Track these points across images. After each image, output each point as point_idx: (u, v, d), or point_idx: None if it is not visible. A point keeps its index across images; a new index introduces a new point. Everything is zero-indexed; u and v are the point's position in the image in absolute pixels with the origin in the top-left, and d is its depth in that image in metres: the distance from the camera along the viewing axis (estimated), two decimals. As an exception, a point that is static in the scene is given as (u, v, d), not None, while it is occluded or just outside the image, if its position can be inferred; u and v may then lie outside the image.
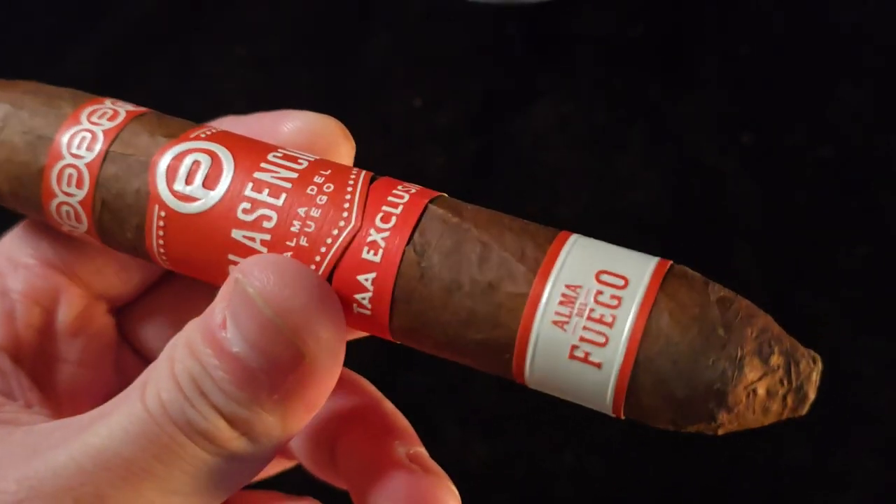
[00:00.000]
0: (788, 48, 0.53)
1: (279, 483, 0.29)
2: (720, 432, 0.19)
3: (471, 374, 0.42)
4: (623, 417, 0.19)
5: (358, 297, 0.20)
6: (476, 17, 0.55)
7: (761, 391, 0.18)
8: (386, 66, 0.53)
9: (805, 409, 0.19)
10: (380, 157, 0.49)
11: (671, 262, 0.20)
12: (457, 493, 0.23)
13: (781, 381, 0.18)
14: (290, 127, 0.25)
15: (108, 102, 0.23)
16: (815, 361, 0.19)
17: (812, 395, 0.19)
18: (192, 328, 0.20)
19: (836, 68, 0.52)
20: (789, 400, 0.19)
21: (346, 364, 0.42)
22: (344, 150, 0.26)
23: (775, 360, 0.19)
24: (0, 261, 0.25)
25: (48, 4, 0.57)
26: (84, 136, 0.22)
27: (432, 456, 0.41)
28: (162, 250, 0.22)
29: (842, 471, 0.40)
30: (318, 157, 0.22)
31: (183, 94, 0.52)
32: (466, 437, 0.41)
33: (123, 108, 0.23)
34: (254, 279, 0.19)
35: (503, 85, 0.53)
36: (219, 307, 0.20)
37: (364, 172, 0.21)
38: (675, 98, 0.51)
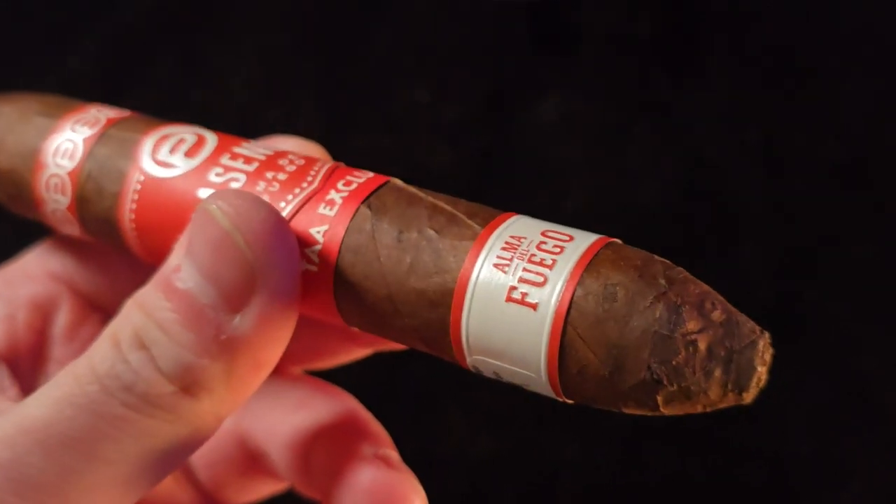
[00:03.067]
0: (795, 43, 0.53)
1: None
2: (661, 399, 0.18)
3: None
4: (558, 385, 0.18)
5: (308, 251, 0.20)
6: (482, 12, 0.55)
7: (702, 345, 0.17)
8: (392, 61, 0.53)
9: (752, 387, 0.18)
10: (385, 152, 0.49)
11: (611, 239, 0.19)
12: (423, 493, 0.23)
13: (723, 342, 0.17)
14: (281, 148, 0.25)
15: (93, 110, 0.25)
16: (761, 331, 0.18)
17: (759, 370, 0.18)
18: (144, 287, 0.20)
19: (842, 64, 0.52)
20: (733, 369, 0.17)
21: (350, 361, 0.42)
22: None
23: (716, 315, 0.18)
24: (16, 273, 0.27)
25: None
26: (84, 116, 0.24)
27: (438, 448, 0.41)
28: (132, 215, 0.22)
29: (846, 463, 0.40)
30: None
31: (189, 87, 0.52)
32: (472, 429, 0.41)
33: (104, 115, 0.24)
34: (218, 199, 0.20)
35: (510, 79, 0.52)
36: (174, 254, 0.20)
37: (332, 162, 0.22)
38: (682, 93, 0.51)
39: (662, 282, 0.18)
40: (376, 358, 0.43)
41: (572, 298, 0.18)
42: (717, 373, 0.17)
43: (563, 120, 0.51)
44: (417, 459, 0.41)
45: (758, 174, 0.48)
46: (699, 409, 0.18)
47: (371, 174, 0.21)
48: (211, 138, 0.22)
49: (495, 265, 0.18)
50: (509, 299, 0.18)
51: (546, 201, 0.46)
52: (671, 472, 0.40)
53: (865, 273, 0.45)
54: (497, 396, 0.42)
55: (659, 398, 0.18)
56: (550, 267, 0.18)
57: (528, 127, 0.50)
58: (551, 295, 0.18)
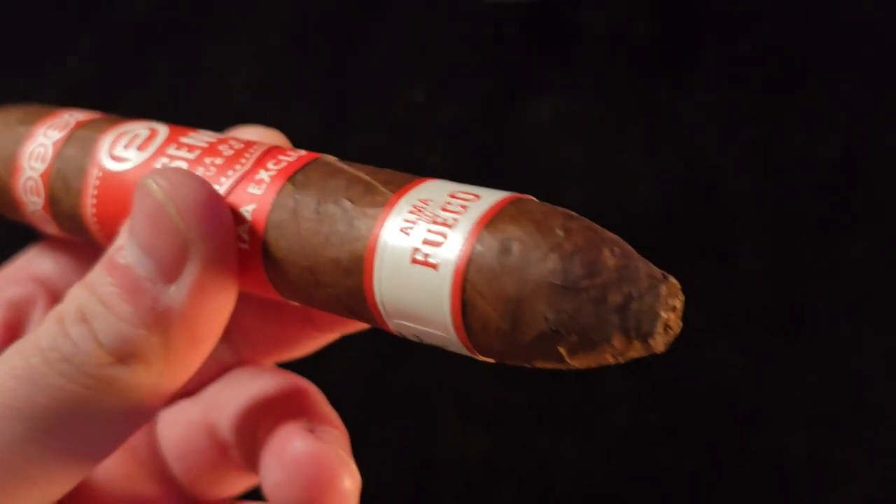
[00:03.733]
0: (790, 43, 0.53)
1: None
2: (563, 351, 0.17)
3: (471, 367, 0.42)
4: (469, 343, 0.18)
5: (240, 229, 0.21)
6: (478, 13, 0.55)
7: (597, 293, 0.17)
8: (388, 62, 0.53)
9: (658, 335, 0.17)
10: (381, 152, 0.49)
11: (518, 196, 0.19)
12: (356, 473, 0.23)
13: (621, 286, 0.17)
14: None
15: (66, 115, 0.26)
16: (665, 276, 0.17)
17: (663, 314, 0.17)
18: (92, 269, 0.21)
19: (837, 63, 0.52)
20: (633, 315, 0.17)
21: (345, 358, 0.42)
22: None
23: (614, 262, 0.17)
24: (1, 277, 0.28)
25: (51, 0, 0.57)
26: (56, 121, 0.25)
27: (434, 448, 0.41)
28: (94, 209, 0.23)
29: (844, 464, 0.40)
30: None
31: (187, 89, 0.52)
32: (468, 429, 0.41)
33: (73, 118, 0.25)
34: (154, 175, 0.20)
35: (505, 80, 0.53)
36: (119, 235, 0.21)
37: (264, 147, 0.23)
38: (677, 93, 0.51)
39: (559, 232, 0.18)
40: (372, 359, 0.43)
41: (470, 255, 0.18)
42: (616, 320, 0.17)
43: (561, 120, 0.51)
44: (412, 460, 0.42)
45: (755, 174, 0.48)
46: (609, 358, 0.17)
47: (303, 152, 0.22)
48: (162, 131, 0.23)
49: (401, 229, 0.18)
50: (414, 261, 0.18)
51: (542, 200, 0.46)
52: (668, 473, 0.40)
53: (863, 273, 0.45)
54: (492, 396, 0.42)
55: (562, 350, 0.17)
56: (451, 226, 0.18)
57: (525, 127, 0.50)
58: (450, 253, 0.18)
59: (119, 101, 0.47)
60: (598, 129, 0.51)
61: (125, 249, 0.20)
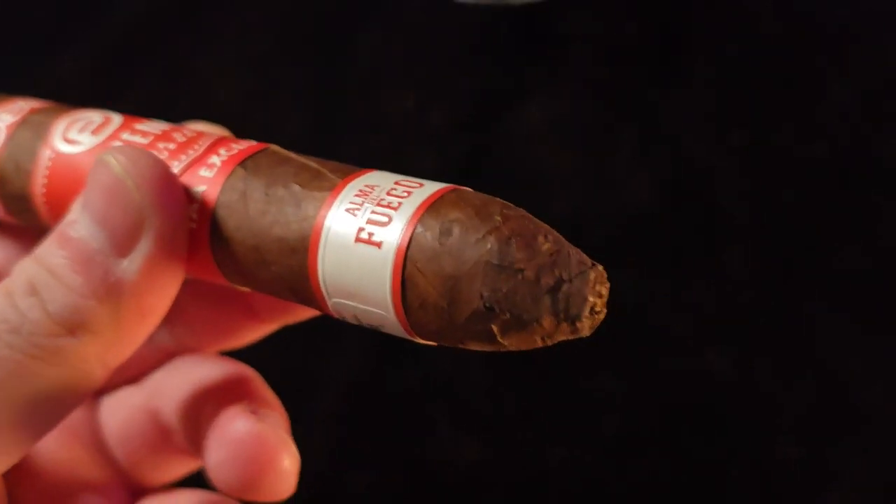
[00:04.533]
0: (779, 46, 0.54)
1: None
2: (496, 329, 0.18)
3: (464, 372, 0.42)
4: (406, 321, 0.19)
5: (189, 209, 0.22)
6: (467, 17, 0.55)
7: (531, 275, 0.18)
8: (377, 66, 0.53)
9: (585, 318, 0.18)
10: (371, 157, 0.49)
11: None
12: (296, 454, 0.24)
13: (552, 271, 0.18)
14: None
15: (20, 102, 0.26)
16: (593, 264, 0.19)
17: (590, 298, 0.18)
18: (42, 243, 0.21)
19: (826, 67, 0.52)
20: (564, 297, 0.18)
21: (336, 364, 0.42)
22: None
23: (546, 247, 0.18)
24: None
25: (39, 5, 0.57)
26: (12, 107, 0.26)
27: (425, 453, 0.41)
28: (44, 190, 0.24)
29: (833, 468, 0.40)
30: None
31: (177, 94, 0.52)
32: (459, 434, 0.41)
33: (28, 105, 0.26)
34: (116, 152, 0.21)
35: (495, 84, 0.53)
36: (71, 210, 0.21)
37: (212, 138, 0.23)
38: (667, 97, 0.51)
39: (497, 218, 0.19)
40: (362, 364, 0.43)
41: (412, 235, 0.19)
42: (547, 301, 0.18)
43: (550, 124, 0.51)
44: (404, 465, 0.41)
45: (745, 178, 0.48)
46: (538, 340, 0.19)
47: (254, 142, 0.23)
48: (116, 119, 0.24)
49: (347, 210, 0.20)
50: (358, 240, 0.19)
51: (532, 206, 0.46)
52: (658, 479, 0.40)
53: (850, 276, 0.45)
54: (482, 402, 0.42)
55: (494, 328, 0.18)
56: (396, 209, 0.19)
57: (514, 131, 0.50)
58: (393, 233, 0.19)
59: (108, 108, 0.47)
60: (587, 132, 0.51)
61: (78, 223, 0.21)
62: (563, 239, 0.19)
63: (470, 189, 0.20)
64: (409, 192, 0.19)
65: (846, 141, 0.49)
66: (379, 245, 0.19)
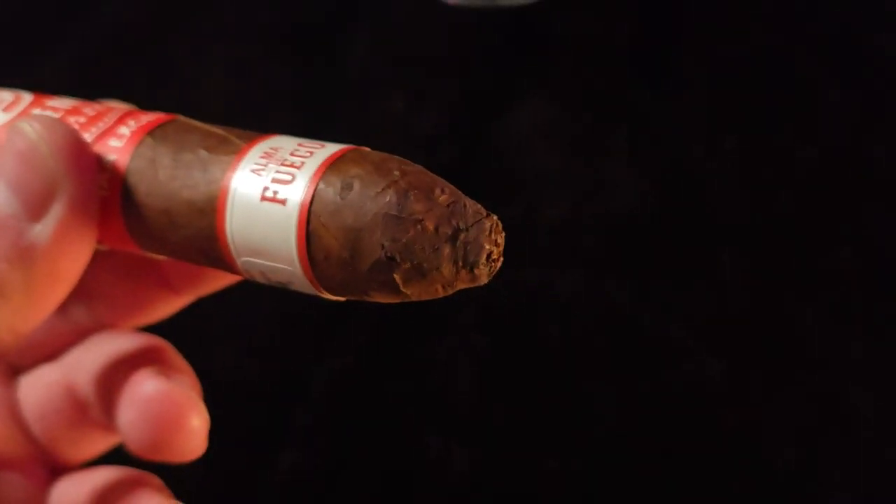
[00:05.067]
0: (774, 51, 0.53)
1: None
2: (400, 280, 0.19)
3: (453, 380, 0.42)
4: (312, 275, 0.20)
5: (101, 178, 0.22)
6: (457, 19, 0.55)
7: (429, 225, 0.19)
8: (366, 69, 0.53)
9: (482, 265, 0.19)
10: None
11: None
12: (204, 411, 0.24)
13: (449, 221, 0.19)
14: None
15: None
16: (487, 214, 0.19)
17: (487, 247, 0.19)
18: None
19: (820, 70, 0.52)
20: (462, 245, 0.19)
21: (326, 373, 0.42)
22: None
23: (443, 199, 0.19)
24: None
25: (25, 6, 0.57)
26: None
27: (413, 464, 0.40)
28: None
29: (829, 474, 0.40)
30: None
31: (161, 97, 0.51)
32: (447, 444, 0.40)
33: None
34: (31, 120, 0.22)
35: (485, 88, 0.52)
36: None
37: (120, 111, 0.24)
38: (659, 100, 0.51)
39: (396, 173, 0.20)
40: (352, 374, 0.43)
41: (315, 191, 0.20)
42: (447, 250, 0.19)
43: (541, 128, 0.50)
44: (394, 474, 0.41)
45: (738, 182, 0.48)
46: (439, 289, 0.20)
47: (161, 114, 0.23)
48: (27, 97, 0.25)
49: (252, 170, 0.20)
50: (263, 198, 0.20)
51: (523, 210, 0.46)
52: (652, 486, 0.40)
53: (844, 281, 0.45)
54: (472, 410, 0.42)
55: (396, 277, 0.19)
56: (299, 168, 0.20)
57: (505, 135, 0.50)
58: (297, 190, 0.20)
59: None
60: (579, 136, 0.50)
61: None
62: (460, 192, 0.20)
63: (369, 149, 0.21)
64: (311, 153, 0.20)
65: (839, 144, 0.49)
66: (283, 202, 0.20)
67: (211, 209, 0.21)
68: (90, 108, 0.24)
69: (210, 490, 0.32)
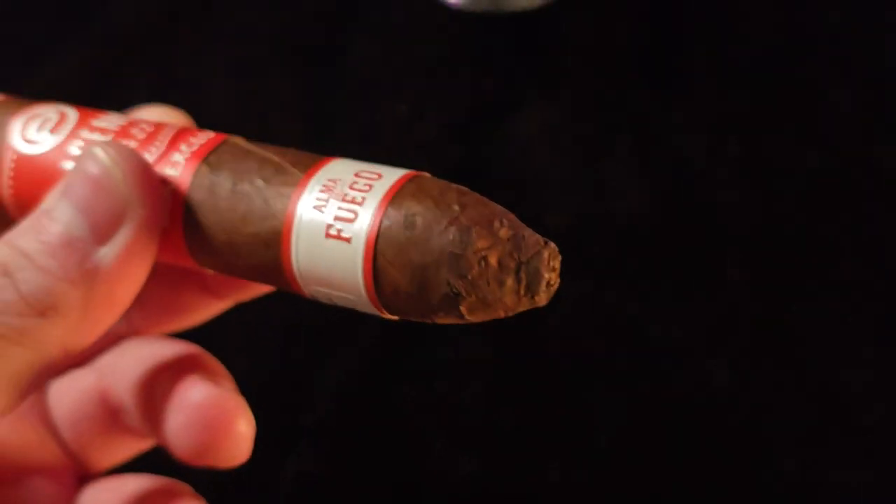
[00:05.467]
0: (779, 55, 0.53)
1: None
2: (465, 310, 0.20)
3: (458, 387, 0.42)
4: (379, 305, 0.21)
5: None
6: (461, 24, 0.54)
7: (492, 260, 0.20)
8: (369, 74, 0.53)
9: (542, 292, 0.20)
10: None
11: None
12: (251, 417, 0.24)
13: (511, 254, 0.20)
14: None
15: None
16: (545, 243, 0.20)
17: (546, 275, 0.20)
18: (12, 230, 0.22)
19: (826, 75, 0.52)
20: (523, 276, 0.20)
21: (331, 378, 0.42)
22: None
23: (504, 232, 0.20)
24: None
25: (28, 12, 0.57)
26: None
27: (418, 468, 0.40)
28: (11, 191, 0.25)
29: (833, 481, 0.39)
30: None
31: (164, 102, 0.51)
32: (454, 451, 0.40)
33: None
34: (105, 145, 0.22)
35: (489, 92, 0.52)
36: (47, 199, 0.22)
37: (184, 125, 0.24)
38: (663, 105, 0.51)
39: (455, 207, 0.20)
40: (357, 379, 0.42)
41: (378, 230, 0.20)
42: (510, 282, 0.20)
43: (546, 132, 0.50)
44: (399, 480, 0.41)
45: (743, 187, 0.48)
46: (501, 314, 0.21)
47: (211, 134, 0.24)
48: (72, 114, 0.25)
49: (314, 207, 0.21)
50: (328, 236, 0.21)
51: (527, 215, 0.45)
52: (657, 491, 0.40)
53: (850, 287, 0.45)
54: (478, 416, 0.41)
55: (462, 308, 0.20)
56: (360, 204, 0.21)
57: (510, 139, 0.50)
58: (361, 229, 0.20)
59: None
60: (583, 141, 0.50)
61: (56, 210, 0.22)
62: (518, 220, 0.21)
63: (427, 174, 0.22)
64: (369, 186, 0.21)
65: (846, 149, 0.49)
66: (348, 240, 0.21)
67: (275, 243, 0.21)
68: (138, 129, 0.24)
69: (217, 497, 0.32)
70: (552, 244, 0.21)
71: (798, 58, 0.53)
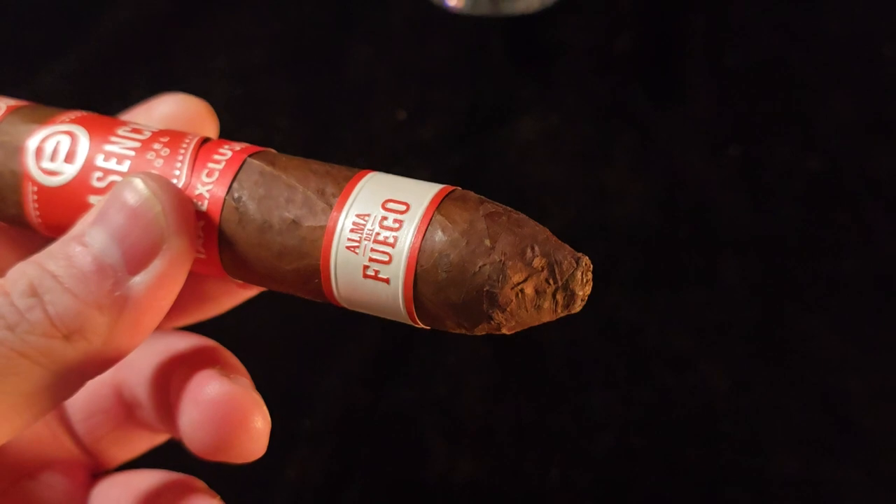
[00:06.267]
0: (777, 60, 0.53)
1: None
2: (505, 331, 0.21)
3: (458, 391, 0.42)
4: (421, 324, 0.22)
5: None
6: (460, 29, 0.55)
7: (529, 291, 0.21)
8: (369, 79, 0.53)
9: (577, 306, 0.21)
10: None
11: (455, 187, 0.22)
12: (267, 414, 0.24)
13: (547, 281, 0.21)
14: (163, 110, 0.28)
15: None
16: (577, 261, 0.21)
17: (580, 292, 0.21)
18: (41, 252, 0.22)
19: (823, 80, 0.52)
20: (559, 298, 0.21)
21: (331, 382, 0.42)
22: (209, 126, 0.29)
23: (538, 262, 0.21)
24: None
25: (29, 17, 0.57)
26: None
27: (419, 471, 0.40)
28: (39, 220, 0.25)
29: (830, 484, 0.39)
30: (160, 128, 0.25)
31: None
32: (453, 452, 0.40)
33: (4, 103, 0.26)
34: (145, 176, 0.22)
35: (488, 97, 0.52)
36: (78, 224, 0.22)
37: (197, 137, 0.24)
38: (662, 110, 0.51)
39: (487, 243, 0.21)
40: (358, 381, 0.42)
41: (416, 272, 0.21)
42: (547, 305, 0.21)
43: (544, 138, 0.50)
44: (398, 484, 0.41)
45: (741, 192, 0.48)
46: (538, 325, 0.22)
47: (228, 153, 0.23)
48: (82, 137, 0.24)
49: (348, 248, 0.21)
50: (366, 276, 0.21)
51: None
52: (654, 496, 0.40)
53: (847, 291, 0.45)
54: (477, 419, 0.41)
55: (503, 330, 0.21)
56: (393, 245, 0.21)
57: (507, 145, 0.50)
58: (398, 272, 0.21)
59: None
60: (582, 146, 0.50)
61: (90, 236, 0.22)
62: (549, 238, 0.21)
63: (452, 194, 0.22)
64: (399, 223, 0.21)
65: (843, 154, 0.49)
66: (387, 281, 0.21)
67: (315, 277, 0.22)
68: (154, 153, 0.24)
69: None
70: (584, 259, 0.21)
71: (797, 64, 0.53)
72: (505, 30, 0.54)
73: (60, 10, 0.57)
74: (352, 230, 0.21)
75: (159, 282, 0.22)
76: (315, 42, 0.55)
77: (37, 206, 0.24)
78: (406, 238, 0.21)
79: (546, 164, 0.49)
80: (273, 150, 0.24)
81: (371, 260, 0.21)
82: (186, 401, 0.24)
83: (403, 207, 0.21)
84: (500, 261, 0.21)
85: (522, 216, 0.22)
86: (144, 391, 0.27)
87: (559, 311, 0.21)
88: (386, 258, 0.21)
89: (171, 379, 0.26)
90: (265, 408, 0.24)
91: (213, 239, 0.23)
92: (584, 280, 0.21)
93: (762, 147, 0.50)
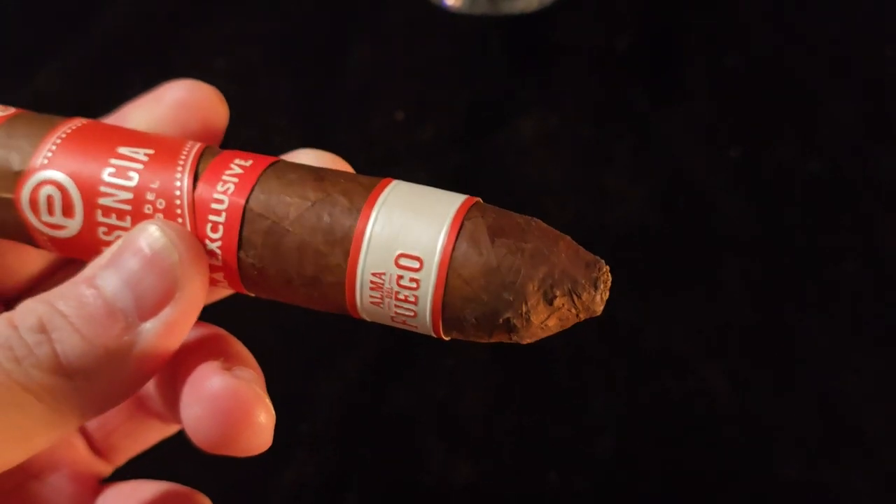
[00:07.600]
0: (777, 61, 0.53)
1: None
2: (526, 343, 0.22)
3: (457, 394, 0.42)
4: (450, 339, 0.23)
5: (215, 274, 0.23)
6: (459, 29, 0.54)
7: (552, 323, 0.22)
8: (367, 79, 0.53)
9: (597, 309, 0.22)
10: (361, 171, 0.48)
11: (464, 217, 0.22)
12: (271, 409, 0.24)
13: (569, 310, 0.22)
14: (173, 96, 0.29)
15: None
16: (595, 289, 0.22)
17: (599, 310, 0.22)
18: (52, 290, 0.22)
19: (825, 82, 0.52)
20: (582, 312, 0.22)
21: (330, 385, 0.42)
22: (219, 112, 0.29)
23: (559, 301, 0.22)
24: None
25: (26, 18, 0.57)
26: None
27: (418, 475, 0.40)
28: (56, 252, 0.25)
29: (830, 487, 0.39)
30: (151, 155, 0.24)
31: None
32: (452, 456, 0.40)
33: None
34: (163, 224, 0.22)
35: (487, 97, 0.52)
36: (90, 266, 0.22)
37: (188, 176, 0.23)
38: (663, 111, 0.51)
39: (507, 297, 0.21)
40: (355, 386, 0.42)
41: (441, 323, 0.22)
42: (570, 325, 0.22)
43: (543, 138, 0.50)
44: (397, 487, 0.41)
45: (741, 193, 0.48)
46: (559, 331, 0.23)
47: (224, 199, 0.23)
48: (72, 189, 0.24)
49: (372, 302, 0.22)
50: (394, 322, 0.22)
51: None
52: (653, 499, 0.40)
53: (849, 293, 0.45)
54: (476, 422, 0.41)
55: (523, 343, 0.22)
56: (415, 303, 0.22)
57: (507, 145, 0.50)
58: (424, 322, 0.22)
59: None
60: (581, 147, 0.50)
61: (101, 279, 0.22)
62: (566, 270, 0.22)
63: (467, 244, 0.22)
64: (416, 282, 0.22)
65: (844, 156, 0.49)
66: (416, 328, 0.22)
67: (343, 312, 0.23)
68: (150, 205, 0.23)
69: (217, 502, 0.32)
70: (604, 269, 0.22)
71: (797, 64, 0.53)
72: (504, 29, 0.54)
73: (59, 10, 0.57)
74: (371, 288, 0.22)
75: (169, 329, 0.22)
76: (313, 42, 0.55)
77: (52, 247, 0.24)
78: (426, 298, 0.22)
79: (546, 164, 0.49)
80: (274, 167, 0.24)
81: (397, 313, 0.22)
82: (189, 395, 0.24)
83: (417, 264, 0.22)
84: (524, 312, 0.21)
85: (536, 246, 0.22)
86: (153, 381, 0.27)
87: (581, 317, 0.22)
88: (411, 314, 0.22)
89: (176, 370, 0.25)
90: (268, 401, 0.24)
91: (235, 273, 0.23)
92: (605, 282, 0.22)
93: (762, 148, 0.50)
